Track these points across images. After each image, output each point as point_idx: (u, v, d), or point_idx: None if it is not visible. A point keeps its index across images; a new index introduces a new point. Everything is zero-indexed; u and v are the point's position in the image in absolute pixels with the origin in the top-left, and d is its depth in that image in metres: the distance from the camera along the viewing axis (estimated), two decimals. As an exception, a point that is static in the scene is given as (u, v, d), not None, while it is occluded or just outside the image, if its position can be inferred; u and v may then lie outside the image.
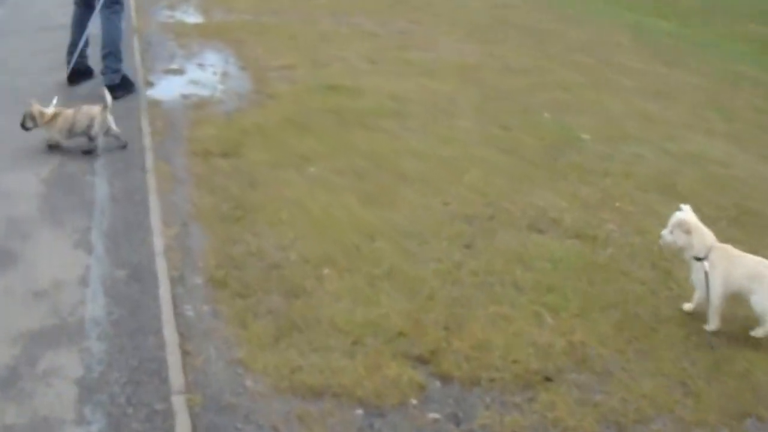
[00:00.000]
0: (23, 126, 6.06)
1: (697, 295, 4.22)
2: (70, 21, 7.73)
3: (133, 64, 8.73)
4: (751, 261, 3.99)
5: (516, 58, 10.45)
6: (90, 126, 6.07)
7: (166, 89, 8.11)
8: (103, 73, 7.56)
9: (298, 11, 12.43)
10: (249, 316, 4.30)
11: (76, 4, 7.64)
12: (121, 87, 7.53)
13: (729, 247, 4.08)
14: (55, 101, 6.26)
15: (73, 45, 7.60)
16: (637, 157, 7.14)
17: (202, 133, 6.76)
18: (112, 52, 7.53)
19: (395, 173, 6.23)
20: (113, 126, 6.27)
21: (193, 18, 11.61)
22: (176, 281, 4.58)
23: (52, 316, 4.24)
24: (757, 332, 4.07)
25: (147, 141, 6.59)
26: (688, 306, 4.36)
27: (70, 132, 6.10)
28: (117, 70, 7.57)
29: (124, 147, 6.36)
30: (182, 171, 6.05)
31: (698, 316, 4.47)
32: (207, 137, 6.66)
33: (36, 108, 6.05)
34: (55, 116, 6.08)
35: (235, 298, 4.44)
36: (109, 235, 5.05)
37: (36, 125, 6.08)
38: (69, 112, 6.08)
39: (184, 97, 7.89)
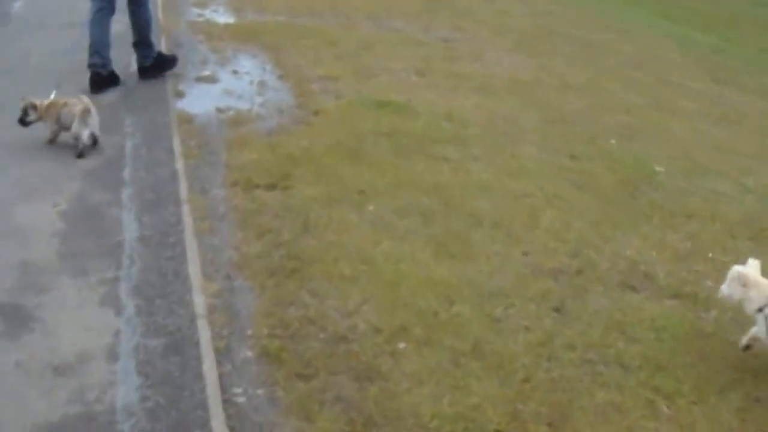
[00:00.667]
0: (23, 121, 5.83)
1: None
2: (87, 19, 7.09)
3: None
4: None
5: (571, 74, 9.67)
6: (72, 123, 5.72)
7: (199, 101, 7.28)
8: (136, 62, 7.60)
9: (335, 13, 11.68)
10: (313, 405, 3.59)
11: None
12: (155, 67, 7.65)
13: None
14: (53, 94, 5.98)
15: (95, 46, 7.06)
16: (716, 194, 6.50)
17: (243, 158, 5.92)
18: (140, 41, 7.45)
19: (465, 214, 5.44)
20: (95, 131, 5.94)
21: (224, 18, 10.76)
22: (222, 354, 3.80)
23: (76, 401, 3.51)
24: None
25: (179, 165, 5.75)
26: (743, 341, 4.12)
27: (59, 123, 5.78)
28: (148, 56, 7.52)
29: (80, 155, 5.88)
30: (222, 205, 5.22)
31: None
32: (248, 163, 5.84)
33: (34, 100, 5.79)
34: (51, 105, 5.78)
35: (295, 380, 3.70)
36: (141, 290, 4.24)
37: (39, 116, 5.84)
38: (61, 101, 5.80)
39: (219, 111, 7.05)
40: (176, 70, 8.11)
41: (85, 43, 7.35)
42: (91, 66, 7.02)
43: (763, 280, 3.94)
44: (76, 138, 5.74)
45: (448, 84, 8.47)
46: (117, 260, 4.56)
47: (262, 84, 7.99)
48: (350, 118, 7.10)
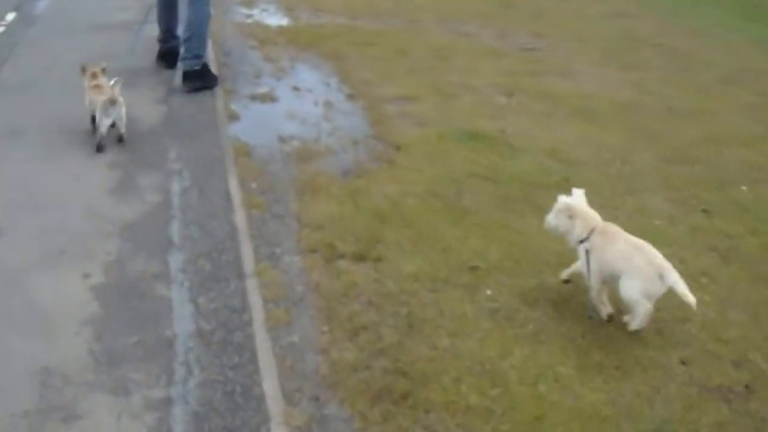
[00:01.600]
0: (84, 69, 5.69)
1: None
2: (157, 8, 7.17)
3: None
4: (624, 243, 3.74)
5: (670, 94, 8.36)
6: (95, 111, 5.42)
7: (257, 126, 6.13)
8: (182, 59, 6.73)
9: (400, 14, 10.50)
10: None
11: None
12: (200, 77, 6.76)
13: (611, 227, 3.85)
14: (113, 81, 5.65)
15: (166, 32, 7.21)
16: None
17: (318, 211, 4.84)
18: (195, 35, 6.64)
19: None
20: (118, 120, 5.58)
21: (275, 19, 9.57)
22: None
23: None
24: (630, 323, 3.80)
25: (240, 219, 4.51)
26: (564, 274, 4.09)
27: (90, 104, 5.54)
28: (198, 56, 6.66)
29: (118, 139, 5.64)
30: (299, 282, 4.05)
31: None
32: (326, 219, 4.78)
33: (89, 66, 5.71)
34: (97, 86, 5.57)
35: None
36: (202, 421, 2.98)
37: (83, 74, 5.67)
38: (98, 86, 5.59)
39: (282, 140, 5.88)
40: (227, 84, 7.09)
41: (114, 48, 6.91)
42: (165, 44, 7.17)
43: (589, 211, 3.90)
44: (97, 128, 5.43)
45: (541, 107, 7.19)
46: (168, 368, 3.35)
47: (328, 105, 6.83)
48: (440, 155, 5.93)
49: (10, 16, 8.82)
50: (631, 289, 3.69)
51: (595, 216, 3.93)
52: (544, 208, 4.96)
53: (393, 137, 6.13)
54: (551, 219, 3.99)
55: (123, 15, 8.96)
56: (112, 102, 5.34)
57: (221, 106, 6.43)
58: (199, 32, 6.57)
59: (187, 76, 6.71)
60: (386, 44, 8.79)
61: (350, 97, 7.08)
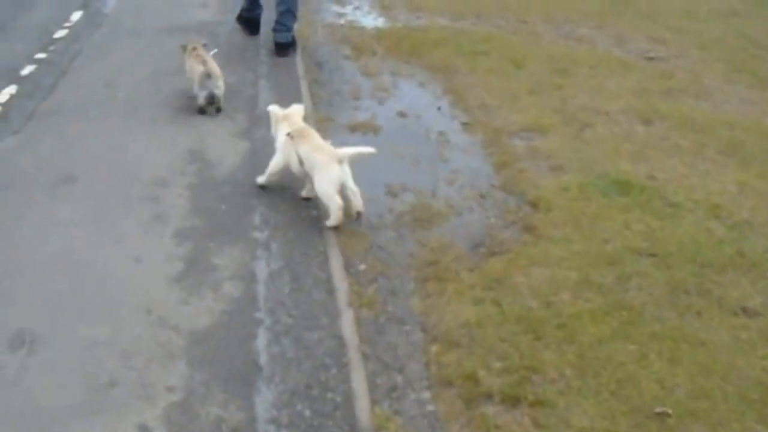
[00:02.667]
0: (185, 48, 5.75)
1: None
2: None
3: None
4: (309, 145, 4.28)
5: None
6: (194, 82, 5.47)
7: (360, 170, 4.86)
8: (275, 30, 6.95)
9: (505, 14, 9.19)
10: None
11: None
12: (292, 46, 7.06)
13: (306, 132, 4.41)
14: (213, 52, 5.83)
15: (252, 2, 7.33)
16: None
17: (449, 315, 3.74)
18: (290, 10, 6.90)
19: None
20: (216, 90, 5.59)
21: (371, 19, 8.33)
22: None
23: None
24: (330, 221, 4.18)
25: (347, 327, 3.45)
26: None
27: (190, 73, 5.65)
28: (290, 29, 6.95)
29: (216, 110, 5.71)
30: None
31: None
32: (460, 328, 3.66)
33: (190, 44, 5.80)
34: (198, 56, 5.62)
35: None
36: None
37: (184, 52, 5.76)
38: (199, 57, 5.62)
39: (392, 192, 4.79)
40: (321, 109, 6.11)
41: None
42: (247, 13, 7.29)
43: (294, 119, 4.50)
44: (195, 97, 5.54)
45: (686, 141, 5.95)
46: None
47: (442, 138, 5.75)
48: (587, 217, 4.69)
49: (77, 15, 7.76)
50: (319, 182, 4.09)
51: (299, 124, 4.46)
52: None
53: (526, 189, 4.93)
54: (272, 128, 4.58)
55: (201, 13, 7.85)
56: (208, 75, 5.42)
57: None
58: (293, 5, 6.92)
59: (281, 46, 7.02)
60: (498, 53, 7.54)
61: (467, 126, 5.88)
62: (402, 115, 5.96)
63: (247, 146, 5.18)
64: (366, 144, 5.09)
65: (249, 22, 7.35)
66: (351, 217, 4.37)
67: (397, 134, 5.63)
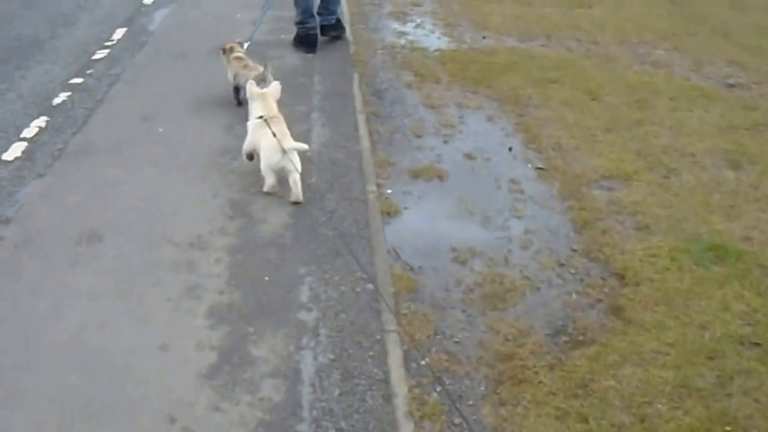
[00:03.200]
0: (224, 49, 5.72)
1: None
2: None
3: (355, 142, 5.43)
4: (265, 134, 4.42)
5: None
6: (242, 83, 5.37)
7: (422, 228, 4.54)
8: (319, 14, 7.02)
9: (575, 32, 8.48)
10: None
11: None
12: (339, 28, 7.23)
13: (276, 119, 4.52)
14: (246, 45, 5.99)
15: (305, 13, 7.00)
16: None
17: (527, 430, 3.10)
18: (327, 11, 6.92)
19: None
20: None
21: (434, 39, 7.70)
22: None
23: None
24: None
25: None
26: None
27: (235, 78, 5.59)
28: (335, 12, 7.07)
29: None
30: None
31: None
32: None
33: (228, 44, 5.82)
34: (238, 58, 5.65)
35: None
36: None
37: (224, 54, 5.75)
38: (245, 62, 5.65)
39: (459, 259, 4.30)
40: (380, 149, 5.51)
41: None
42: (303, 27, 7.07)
43: (268, 101, 4.68)
44: (242, 101, 5.43)
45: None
46: None
47: (515, 188, 5.11)
48: (680, 295, 4.00)
49: (119, 33, 7.20)
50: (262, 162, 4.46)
51: (270, 107, 4.64)
52: None
53: (611, 255, 4.33)
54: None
55: (251, 32, 7.14)
56: (263, 79, 5.28)
57: (373, 195, 4.43)
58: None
59: (325, 28, 7.25)
60: (571, 81, 6.85)
61: (541, 172, 5.26)
62: (469, 157, 5.28)
63: (290, 211, 4.48)
64: (432, 194, 4.85)
65: (306, 39, 7.04)
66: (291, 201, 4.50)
67: (465, 182, 4.97)
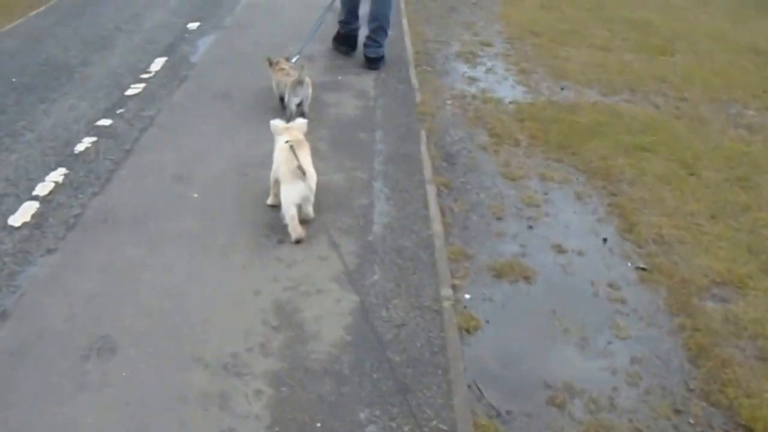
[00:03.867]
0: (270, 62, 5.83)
1: None
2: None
3: (425, 224, 4.56)
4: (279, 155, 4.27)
5: None
6: (284, 91, 5.57)
7: (506, 352, 3.71)
8: (366, 45, 6.84)
9: (661, 86, 7.53)
10: None
11: None
12: (382, 59, 6.92)
13: (302, 144, 4.32)
14: (295, 58, 5.98)
15: (350, 14, 6.98)
16: None
17: None
18: (382, 27, 6.76)
19: None
20: (306, 99, 5.59)
21: (508, 88, 7.01)
22: None
23: None
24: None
25: None
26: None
27: (278, 87, 5.67)
28: (382, 45, 6.83)
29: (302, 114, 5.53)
30: None
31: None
32: None
33: (274, 58, 5.87)
34: (281, 69, 5.72)
35: None
36: None
37: (270, 66, 5.82)
38: (286, 69, 5.75)
39: (554, 400, 3.44)
40: (453, 236, 4.60)
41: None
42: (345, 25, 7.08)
43: (294, 133, 4.44)
44: (285, 106, 5.55)
45: None
46: None
47: (615, 296, 4.19)
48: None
49: (158, 64, 6.37)
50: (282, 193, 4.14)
51: (295, 137, 4.38)
52: None
53: (735, 398, 3.46)
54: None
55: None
56: (300, 83, 5.45)
57: (449, 303, 3.55)
58: (386, 23, 6.79)
59: (371, 60, 6.89)
60: (664, 148, 5.98)
61: (643, 274, 4.40)
62: (559, 249, 4.41)
63: (356, 302, 3.63)
64: (517, 301, 4.09)
65: (346, 39, 7.11)
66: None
67: (556, 285, 4.13)
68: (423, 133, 5.57)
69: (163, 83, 6.17)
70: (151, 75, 6.32)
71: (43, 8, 8.21)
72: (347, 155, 5.11)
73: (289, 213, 4.13)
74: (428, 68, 7.10)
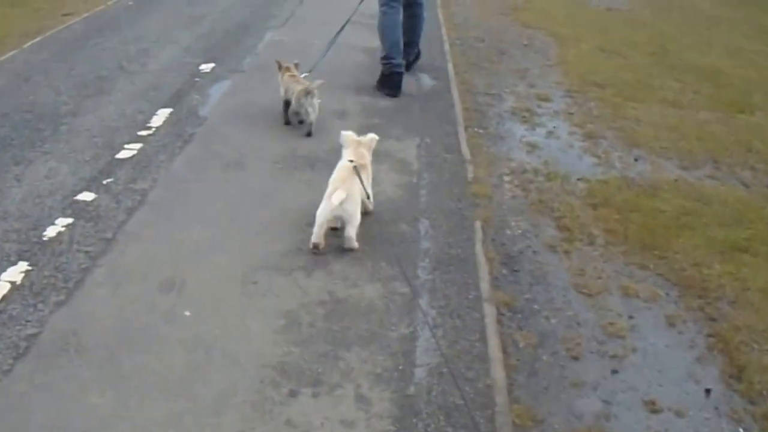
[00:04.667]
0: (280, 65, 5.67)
1: None
2: (379, 26, 6.57)
3: (482, 366, 3.47)
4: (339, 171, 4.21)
5: None
6: (290, 97, 5.45)
7: None
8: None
9: (747, 156, 6.43)
10: None
11: (389, 5, 6.49)
12: (415, 61, 6.98)
13: (366, 168, 4.28)
14: (304, 75, 5.65)
15: (392, 48, 6.55)
16: None
17: None
18: (413, 41, 6.86)
19: None
20: (309, 109, 5.39)
21: (574, 157, 6.01)
22: None
23: None
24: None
25: None
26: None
27: (286, 93, 5.56)
28: (411, 53, 6.89)
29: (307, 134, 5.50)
30: None
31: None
32: None
33: (284, 61, 5.73)
34: (292, 75, 5.60)
35: None
36: None
37: (279, 70, 5.67)
38: (295, 77, 5.58)
39: None
40: (518, 389, 3.51)
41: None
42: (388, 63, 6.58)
43: (358, 148, 4.40)
44: (295, 114, 5.52)
45: None
46: None
47: None
48: None
49: (161, 116, 5.39)
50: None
51: (357, 153, 4.35)
52: None
53: None
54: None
55: (338, 130, 5.23)
56: (308, 92, 5.31)
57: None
58: (416, 36, 6.85)
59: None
60: (763, 248, 4.88)
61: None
62: (652, 408, 3.48)
63: None
64: None
65: (389, 79, 6.63)
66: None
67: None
68: (479, 226, 4.44)
69: (163, 144, 5.09)
70: (150, 132, 5.25)
71: (39, 38, 7.18)
72: (384, 256, 3.98)
73: (317, 223, 4.05)
74: (480, 130, 5.97)
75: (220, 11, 8.97)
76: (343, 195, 3.94)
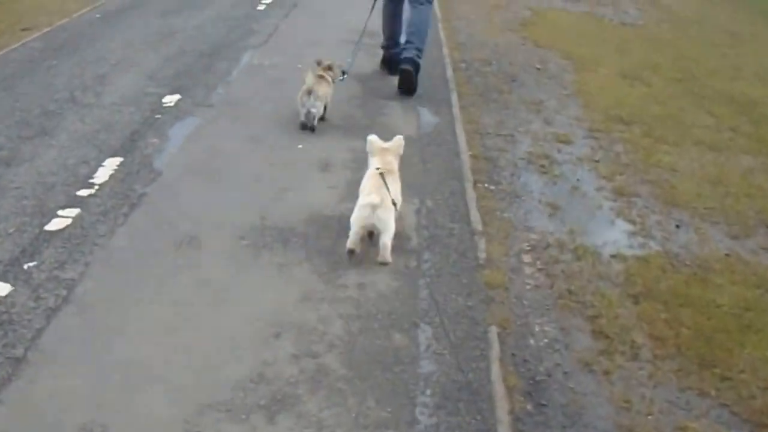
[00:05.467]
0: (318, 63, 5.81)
1: None
2: (383, 17, 6.97)
3: None
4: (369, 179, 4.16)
5: None
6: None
7: None
8: (403, 48, 6.67)
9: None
10: None
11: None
12: (417, 69, 6.67)
13: (393, 174, 4.22)
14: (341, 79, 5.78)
15: (390, 38, 7.17)
16: None
17: None
18: (420, 30, 6.70)
19: None
20: (312, 109, 5.55)
21: (604, 225, 5.05)
22: None
23: None
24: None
25: None
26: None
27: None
28: (419, 48, 6.64)
29: (310, 129, 5.65)
30: None
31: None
32: None
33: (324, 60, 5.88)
34: (320, 76, 5.75)
35: None
36: None
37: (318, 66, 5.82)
38: (313, 76, 5.65)
39: None
40: None
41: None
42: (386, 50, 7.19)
43: (384, 154, 4.32)
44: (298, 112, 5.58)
45: None
46: None
47: None
48: None
49: (107, 169, 4.50)
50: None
51: (383, 160, 4.28)
52: None
53: None
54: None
55: (321, 197, 4.29)
56: (309, 92, 5.44)
57: None
58: (422, 35, 6.72)
59: (405, 60, 6.66)
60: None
61: None
62: None
63: None
64: None
65: (389, 62, 7.20)
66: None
67: None
68: (494, 334, 3.39)
69: (105, 210, 4.10)
70: (92, 191, 4.26)
71: (-13, 61, 6.12)
72: (372, 387, 2.99)
73: (353, 229, 3.97)
74: (491, 187, 4.98)
75: (194, 26, 7.94)
76: (377, 199, 3.91)
